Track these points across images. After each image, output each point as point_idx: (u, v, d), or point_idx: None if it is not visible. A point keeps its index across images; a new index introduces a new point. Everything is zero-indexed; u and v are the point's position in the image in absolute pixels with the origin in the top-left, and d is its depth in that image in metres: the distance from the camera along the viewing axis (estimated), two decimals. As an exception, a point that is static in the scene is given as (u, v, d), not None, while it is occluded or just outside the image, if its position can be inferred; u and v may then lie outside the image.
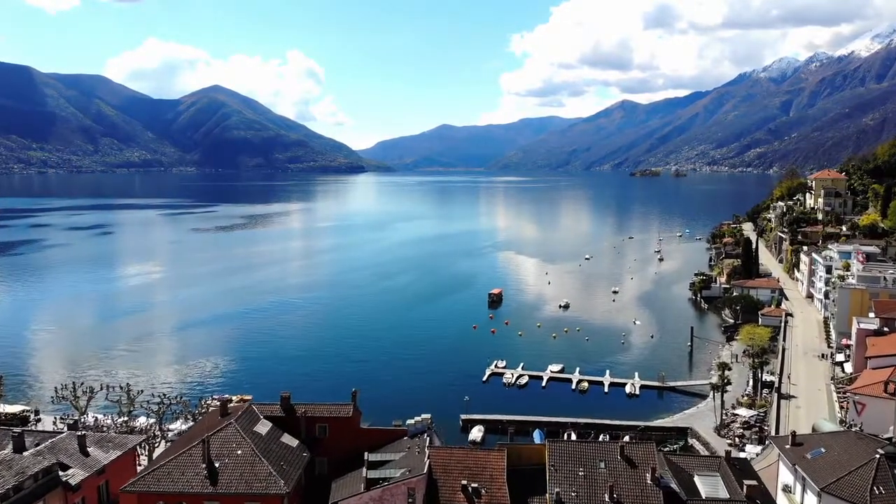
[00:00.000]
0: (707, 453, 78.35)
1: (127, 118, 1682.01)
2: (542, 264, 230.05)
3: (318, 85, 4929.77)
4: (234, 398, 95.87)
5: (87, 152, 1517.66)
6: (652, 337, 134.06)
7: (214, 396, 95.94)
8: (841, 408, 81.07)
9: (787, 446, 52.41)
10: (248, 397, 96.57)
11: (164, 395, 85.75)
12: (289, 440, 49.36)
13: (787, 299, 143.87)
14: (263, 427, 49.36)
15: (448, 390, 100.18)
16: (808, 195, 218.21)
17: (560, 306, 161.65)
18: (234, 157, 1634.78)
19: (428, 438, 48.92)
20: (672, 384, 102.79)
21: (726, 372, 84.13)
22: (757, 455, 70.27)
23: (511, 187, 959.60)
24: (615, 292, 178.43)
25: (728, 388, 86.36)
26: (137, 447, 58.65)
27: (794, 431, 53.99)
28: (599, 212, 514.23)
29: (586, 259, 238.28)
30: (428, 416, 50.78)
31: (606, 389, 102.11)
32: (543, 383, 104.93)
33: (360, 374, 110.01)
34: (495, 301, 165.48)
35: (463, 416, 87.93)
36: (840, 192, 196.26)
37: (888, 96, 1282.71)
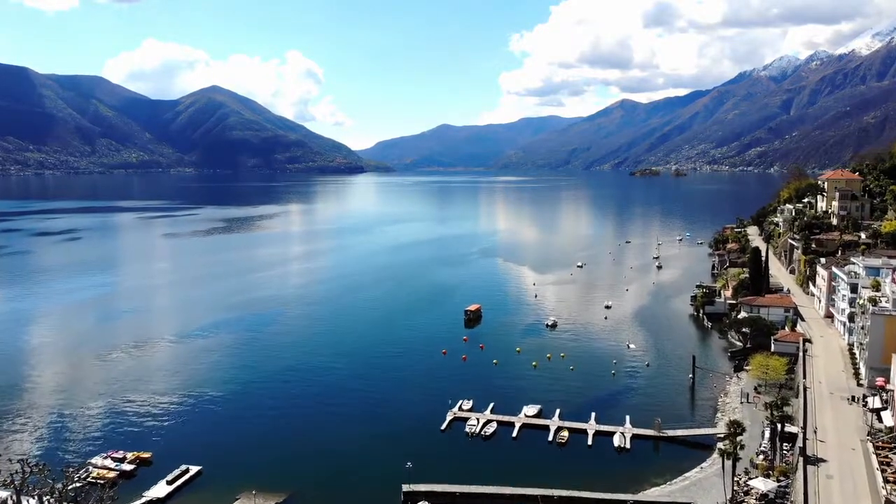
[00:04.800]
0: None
1: (125, 119, 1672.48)
2: (531, 273, 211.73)
3: (317, 85, 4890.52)
4: (128, 455, 78.40)
5: (85, 153, 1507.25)
6: (647, 365, 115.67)
7: (105, 455, 78.16)
8: (886, 481, 62.80)
9: None
10: (147, 455, 79.07)
11: (26, 458, 67.51)
12: None
13: (802, 320, 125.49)
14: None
15: (396, 445, 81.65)
16: (819, 197, 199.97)
17: (546, 325, 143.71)
18: (232, 157, 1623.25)
19: None
20: (670, 433, 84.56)
21: (739, 438, 65.49)
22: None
23: (510, 187, 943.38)
24: (608, 307, 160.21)
25: (740, 449, 68.07)
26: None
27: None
28: (597, 213, 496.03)
29: (579, 267, 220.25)
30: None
31: (590, 441, 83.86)
32: (515, 432, 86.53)
33: (292, 422, 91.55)
34: (472, 319, 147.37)
35: (405, 488, 69.75)
36: (857, 195, 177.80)
37: (889, 94, 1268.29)
